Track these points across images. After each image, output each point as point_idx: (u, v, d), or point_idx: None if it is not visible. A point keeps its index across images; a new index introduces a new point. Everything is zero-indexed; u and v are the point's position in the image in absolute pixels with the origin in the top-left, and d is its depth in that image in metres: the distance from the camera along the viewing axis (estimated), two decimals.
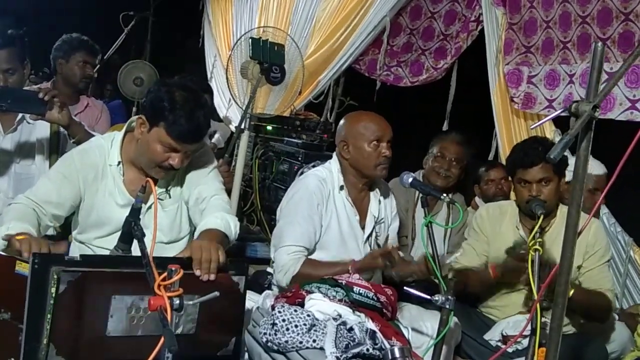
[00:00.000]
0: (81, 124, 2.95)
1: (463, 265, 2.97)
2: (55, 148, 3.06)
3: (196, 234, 2.38)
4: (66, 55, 3.71)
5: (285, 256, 2.72)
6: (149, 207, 2.37)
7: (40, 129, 3.04)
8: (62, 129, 2.97)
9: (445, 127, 4.66)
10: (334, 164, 2.92)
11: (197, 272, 1.99)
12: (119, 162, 2.45)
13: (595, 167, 3.39)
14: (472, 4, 4.52)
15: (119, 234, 2.13)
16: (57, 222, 2.45)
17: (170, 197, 2.51)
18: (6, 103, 2.68)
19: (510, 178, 3.03)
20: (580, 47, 3.67)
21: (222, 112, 5.88)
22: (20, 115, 2.99)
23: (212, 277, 2.00)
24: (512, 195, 3.74)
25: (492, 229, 3.01)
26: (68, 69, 3.72)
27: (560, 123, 3.79)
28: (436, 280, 2.55)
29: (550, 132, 3.81)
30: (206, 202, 2.47)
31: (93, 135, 2.90)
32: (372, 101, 4.98)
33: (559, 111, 1.73)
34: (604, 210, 3.80)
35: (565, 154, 3.10)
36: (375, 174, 2.87)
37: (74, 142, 2.86)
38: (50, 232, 2.78)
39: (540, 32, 3.87)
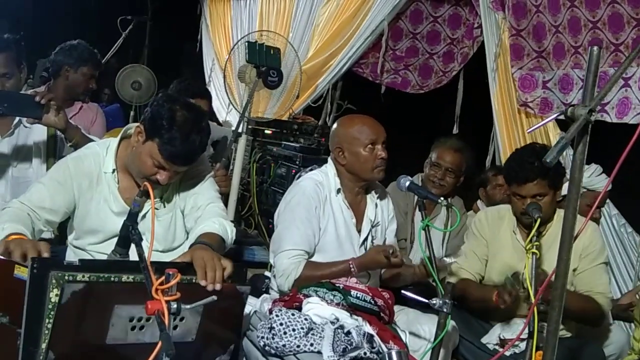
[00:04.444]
0: (78, 127, 2.95)
1: (466, 271, 2.96)
2: (52, 151, 3.06)
3: (193, 238, 2.35)
4: (75, 65, 3.68)
5: (285, 260, 2.71)
6: (144, 216, 2.33)
7: (37, 133, 3.03)
8: (59, 133, 2.97)
9: (455, 131, 4.67)
10: (329, 167, 2.92)
11: (203, 282, 1.93)
12: (114, 170, 2.44)
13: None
14: (474, 9, 4.51)
15: (113, 241, 2.11)
16: (50, 227, 2.44)
17: (164, 206, 2.50)
18: (2, 107, 2.68)
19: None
20: None
21: (220, 116, 5.89)
22: (17, 118, 2.99)
23: (218, 286, 1.94)
24: None
25: (491, 233, 3.01)
26: (74, 79, 3.70)
27: (566, 126, 3.75)
28: (434, 284, 2.55)
29: (555, 135, 3.76)
30: (202, 210, 2.46)
31: (90, 138, 2.90)
32: (375, 105, 4.95)
33: (555, 115, 1.74)
34: (614, 211, 3.76)
35: (561, 161, 3.11)
36: (373, 176, 2.86)
37: (71, 146, 2.86)
38: (48, 235, 2.78)
39: (550, 36, 3.84)
